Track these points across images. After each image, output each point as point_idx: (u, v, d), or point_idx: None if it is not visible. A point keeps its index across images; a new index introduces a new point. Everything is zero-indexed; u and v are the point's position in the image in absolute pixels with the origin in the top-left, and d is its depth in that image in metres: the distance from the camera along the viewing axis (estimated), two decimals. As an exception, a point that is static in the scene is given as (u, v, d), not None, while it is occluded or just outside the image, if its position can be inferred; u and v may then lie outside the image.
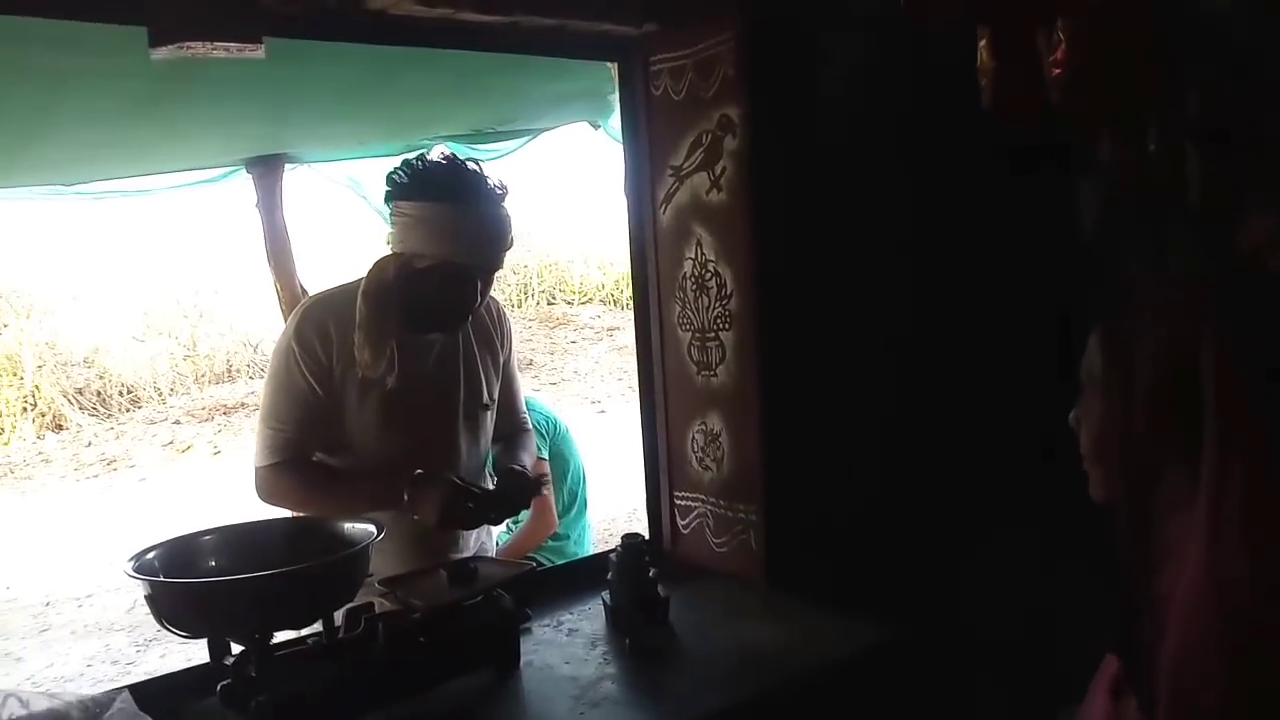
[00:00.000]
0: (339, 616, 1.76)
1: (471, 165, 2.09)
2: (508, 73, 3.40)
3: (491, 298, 2.31)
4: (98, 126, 3.36)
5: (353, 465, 2.12)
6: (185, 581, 1.50)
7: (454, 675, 1.80)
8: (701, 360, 2.35)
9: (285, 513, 2.17)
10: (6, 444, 10.47)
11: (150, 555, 1.57)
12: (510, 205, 2.10)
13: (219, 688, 1.59)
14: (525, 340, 12.45)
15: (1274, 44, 1.83)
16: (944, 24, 1.70)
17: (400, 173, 2.05)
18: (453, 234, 2.00)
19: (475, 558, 2.01)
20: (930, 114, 2.24)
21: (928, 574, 2.27)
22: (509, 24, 2.16)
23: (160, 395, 11.85)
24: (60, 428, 10.97)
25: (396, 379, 2.06)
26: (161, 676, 1.82)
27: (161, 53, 1.07)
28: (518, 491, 2.14)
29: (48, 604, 5.81)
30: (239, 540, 1.69)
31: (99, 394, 11.68)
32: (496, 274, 2.14)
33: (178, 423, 10.72)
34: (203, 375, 12.42)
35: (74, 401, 11.36)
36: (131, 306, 13.04)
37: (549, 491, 3.74)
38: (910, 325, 2.37)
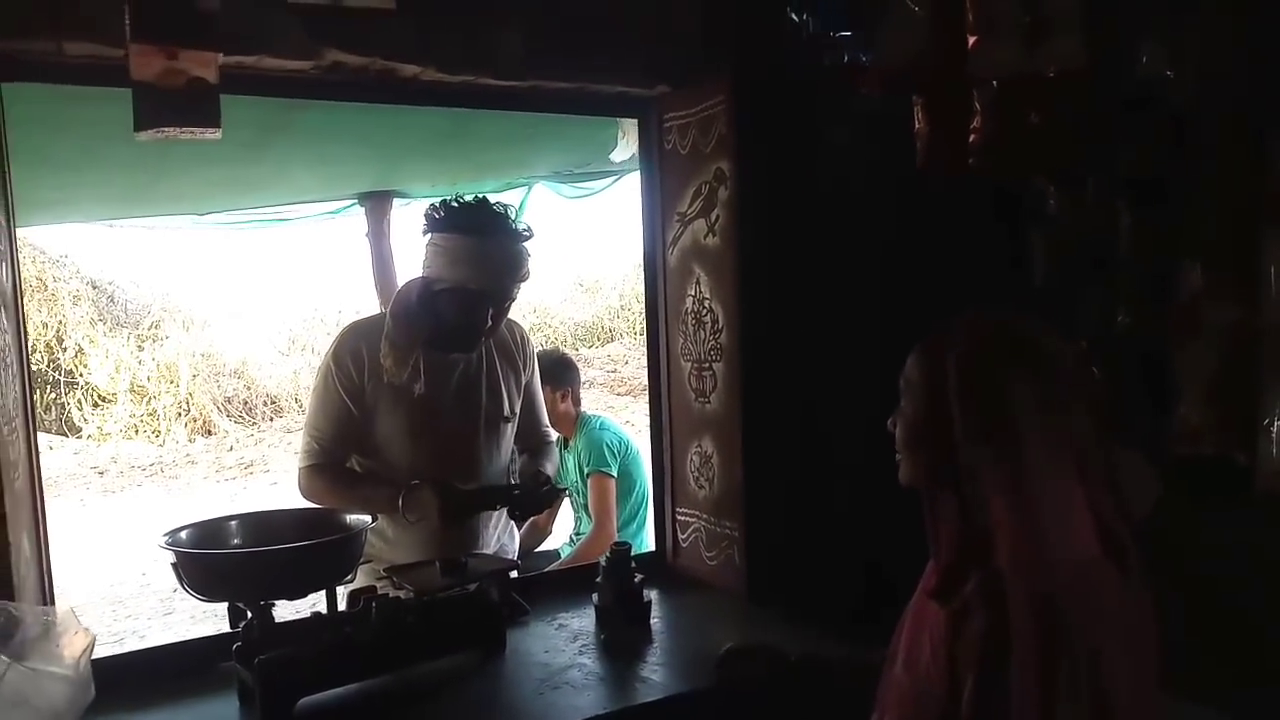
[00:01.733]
0: (342, 596, 2.07)
1: (498, 207, 2.40)
2: (574, 120, 3.70)
3: (515, 322, 2.63)
4: (215, 165, 3.84)
5: (384, 470, 2.44)
6: (195, 552, 1.83)
7: (438, 655, 2.07)
8: (698, 388, 2.57)
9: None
10: (161, 445, 11.43)
11: (182, 533, 1.91)
12: (531, 245, 2.41)
13: (233, 648, 1.91)
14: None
15: (1206, 106, 1.98)
16: (875, 93, 1.91)
17: (434, 209, 2.39)
18: (468, 262, 2.31)
19: (468, 554, 2.28)
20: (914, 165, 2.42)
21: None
22: (530, 88, 2.44)
23: (299, 406, 12.70)
24: (209, 433, 11.90)
25: (423, 388, 2.38)
26: (196, 639, 2.17)
27: (144, 135, 1.40)
28: (536, 491, 2.41)
29: (174, 591, 6.40)
30: (257, 524, 2.02)
31: (245, 403, 12.62)
32: (510, 302, 2.44)
33: (312, 432, 11.45)
34: (341, 389, 13.19)
35: (223, 409, 12.31)
36: (279, 323, 14.03)
37: (612, 504, 4.01)
38: (883, 358, 2.53)
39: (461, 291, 2.33)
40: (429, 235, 2.38)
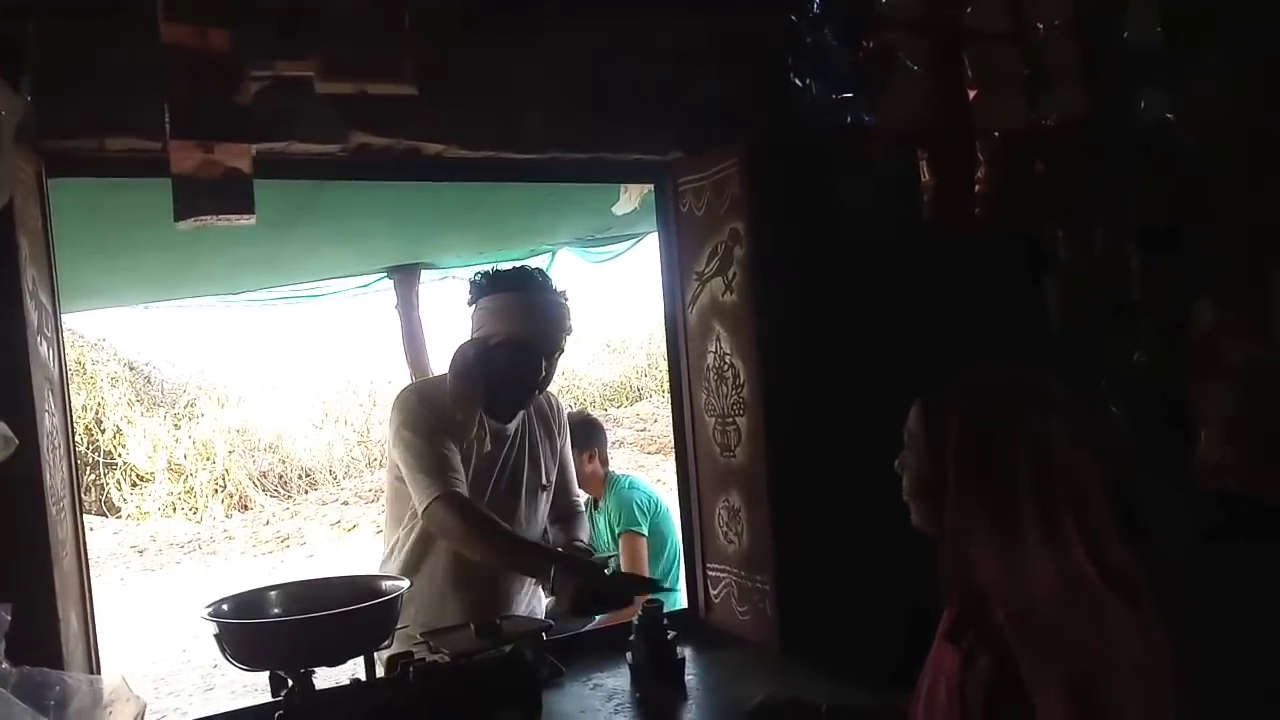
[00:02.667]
0: (380, 661, 2.11)
1: (535, 269, 2.57)
2: (594, 187, 3.80)
3: (549, 390, 2.69)
4: (246, 246, 3.96)
5: (422, 532, 2.49)
6: (238, 622, 1.88)
7: (476, 718, 2.10)
8: (723, 442, 2.61)
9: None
10: (199, 522, 11.54)
11: (224, 604, 1.96)
12: (569, 303, 2.55)
13: (275, 716, 1.95)
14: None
15: (1211, 151, 2.02)
16: (882, 152, 1.98)
17: (478, 276, 2.54)
18: (518, 315, 2.44)
19: (503, 615, 2.31)
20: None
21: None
22: (549, 159, 2.53)
23: (334, 478, 12.80)
24: (246, 508, 12.01)
25: (489, 444, 2.48)
26: (240, 709, 2.21)
27: (183, 225, 1.49)
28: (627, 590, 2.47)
29: (215, 666, 6.45)
30: (295, 593, 2.06)
31: (280, 477, 12.74)
32: (559, 354, 2.54)
33: (346, 503, 11.55)
34: (374, 459, 13.29)
35: (258, 484, 12.42)
36: (311, 396, 14.20)
37: (644, 563, 4.03)
38: (905, 406, 2.56)
39: (515, 342, 2.44)
40: (477, 301, 2.50)
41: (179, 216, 1.49)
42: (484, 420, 2.49)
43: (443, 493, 2.35)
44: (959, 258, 2.43)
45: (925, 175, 2.03)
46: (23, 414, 1.69)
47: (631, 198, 3.62)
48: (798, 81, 1.93)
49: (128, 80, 1.90)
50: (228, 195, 1.47)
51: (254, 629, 1.89)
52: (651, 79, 2.54)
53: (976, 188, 1.90)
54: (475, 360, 2.48)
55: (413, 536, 2.54)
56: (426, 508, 2.37)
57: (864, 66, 1.90)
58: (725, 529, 2.65)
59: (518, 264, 2.57)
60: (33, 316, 1.79)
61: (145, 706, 1.40)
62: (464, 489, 2.40)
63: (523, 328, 2.44)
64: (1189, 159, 2.03)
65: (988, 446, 1.29)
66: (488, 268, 2.56)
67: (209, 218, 1.49)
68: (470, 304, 2.53)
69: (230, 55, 1.49)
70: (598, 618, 2.59)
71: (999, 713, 1.19)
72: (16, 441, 1.16)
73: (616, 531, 4.05)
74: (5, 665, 1.21)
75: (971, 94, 1.93)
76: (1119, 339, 2.19)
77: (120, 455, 12.03)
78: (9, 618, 1.20)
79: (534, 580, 2.62)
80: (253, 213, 1.51)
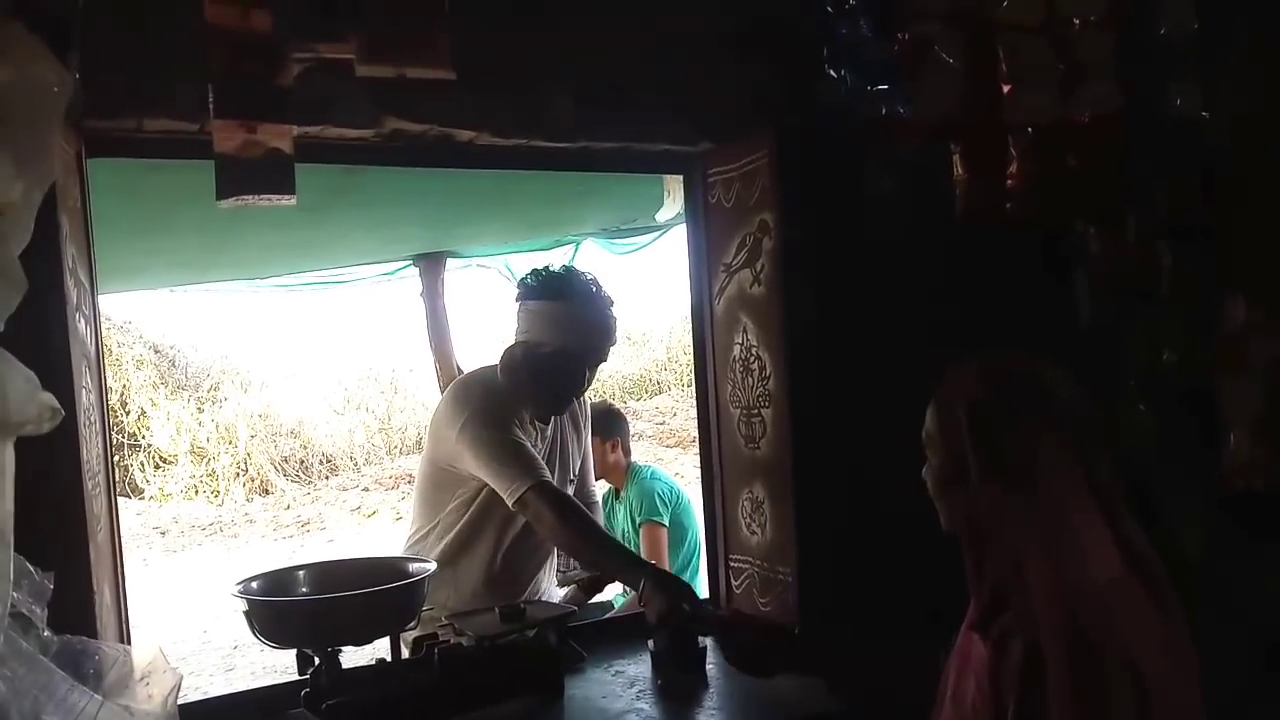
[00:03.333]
0: (406, 642, 2.14)
1: (586, 275, 2.57)
2: (621, 178, 3.81)
3: None
4: (276, 229, 3.99)
5: (456, 525, 2.53)
6: (268, 600, 1.91)
7: (499, 700, 2.12)
8: (748, 434, 2.62)
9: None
10: (220, 505, 11.65)
11: (253, 582, 1.98)
12: (616, 311, 2.58)
13: (301, 694, 1.98)
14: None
15: (1244, 146, 2.02)
16: (914, 145, 1.98)
17: (530, 277, 2.56)
18: (570, 327, 2.47)
19: (527, 601, 2.34)
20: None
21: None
22: (579, 148, 2.54)
23: (355, 465, 12.89)
24: (266, 492, 12.12)
25: (537, 445, 2.51)
26: (267, 686, 2.23)
27: (225, 204, 1.51)
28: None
29: (235, 647, 6.53)
30: (323, 573, 2.09)
31: (302, 462, 12.84)
32: (602, 364, 2.59)
33: (366, 490, 11.63)
34: (395, 446, 13.40)
35: (279, 469, 12.53)
36: (334, 383, 14.30)
37: (664, 553, 4.06)
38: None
39: (564, 354, 2.46)
40: (527, 302, 2.51)
41: (221, 196, 1.51)
42: (529, 421, 2.53)
43: (536, 482, 2.37)
44: (987, 252, 2.42)
45: (957, 169, 2.03)
46: (61, 390, 1.70)
47: (675, 201, 3.61)
48: (832, 73, 1.93)
49: (167, 61, 1.94)
50: (269, 176, 1.49)
51: (284, 607, 1.92)
52: (682, 69, 2.54)
53: (1008, 182, 1.90)
54: (523, 363, 2.51)
55: (457, 527, 2.58)
56: (520, 497, 2.36)
57: (899, 59, 1.90)
58: (748, 520, 2.65)
59: (567, 268, 2.59)
60: (72, 294, 1.82)
61: (181, 679, 1.42)
62: (551, 479, 2.44)
63: (574, 341, 2.47)
64: (1221, 154, 2.02)
65: (1001, 435, 1.30)
66: (542, 268, 2.58)
67: (250, 198, 1.51)
68: (520, 301, 2.54)
69: (272, 36, 1.51)
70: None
71: (1034, 699, 1.19)
72: (63, 412, 1.18)
73: (637, 521, 4.07)
74: (47, 633, 1.24)
75: (1005, 88, 1.93)
76: (1147, 336, 2.18)
77: (144, 437, 12.16)
78: (51, 586, 1.22)
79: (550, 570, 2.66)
80: (294, 194, 1.53)
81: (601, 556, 2.47)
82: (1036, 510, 1.26)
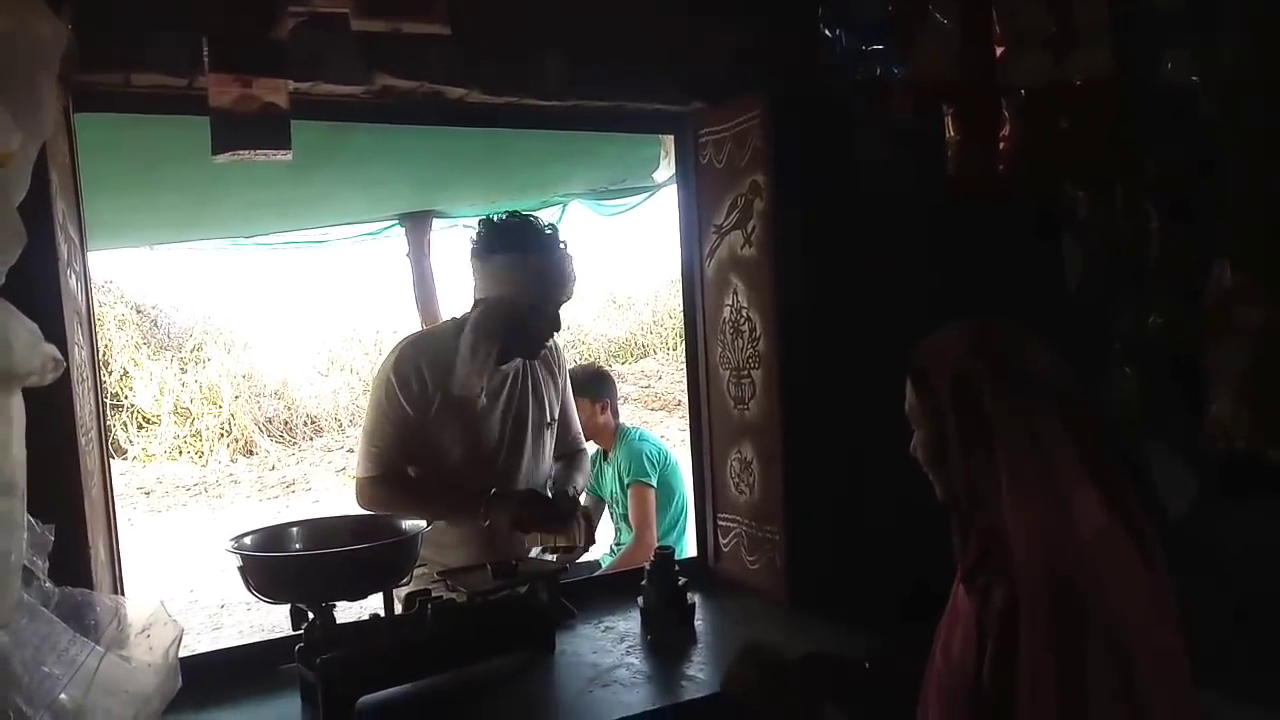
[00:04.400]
0: (399, 598, 2.16)
1: (543, 224, 2.50)
2: (610, 139, 3.79)
3: None
4: (260, 188, 3.96)
5: (440, 476, 2.52)
6: (263, 554, 1.92)
7: (491, 655, 2.15)
8: (737, 395, 2.64)
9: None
10: (205, 465, 11.63)
11: (246, 538, 1.99)
12: (572, 255, 2.50)
13: (296, 649, 2.00)
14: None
15: (1233, 113, 2.02)
16: (908, 106, 1.98)
17: (485, 229, 2.47)
18: (534, 279, 2.41)
19: (519, 558, 2.36)
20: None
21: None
22: (570, 107, 2.53)
23: (339, 425, 12.87)
24: (251, 453, 12.09)
25: (485, 398, 2.49)
26: (260, 641, 2.26)
27: (221, 158, 1.50)
28: (566, 511, 2.49)
29: (222, 606, 6.56)
30: (316, 530, 2.11)
31: (286, 423, 12.80)
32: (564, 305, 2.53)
33: (350, 451, 11.60)
34: (379, 407, 13.32)
35: (264, 429, 12.50)
36: (318, 344, 14.23)
37: (652, 513, 4.08)
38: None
39: (530, 305, 2.43)
40: (487, 257, 2.44)
41: (216, 150, 1.50)
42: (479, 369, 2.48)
43: (378, 474, 2.48)
44: (976, 216, 2.42)
45: (950, 131, 2.04)
46: (55, 345, 1.71)
47: (671, 161, 3.58)
48: (827, 32, 1.93)
49: (154, 15, 1.91)
50: (265, 131, 1.48)
51: (280, 561, 1.93)
52: (674, 28, 2.53)
53: (1000, 145, 1.91)
54: (504, 321, 2.46)
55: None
56: (359, 481, 2.52)
57: (894, 19, 1.90)
58: (736, 480, 2.68)
59: (523, 217, 2.50)
60: (63, 250, 1.81)
61: (183, 631, 1.43)
62: (393, 468, 2.50)
63: (537, 291, 2.42)
64: (1211, 121, 2.03)
65: (985, 402, 1.31)
66: (493, 219, 2.49)
67: (246, 153, 1.51)
68: (477, 257, 2.46)
69: (268, -10, 1.49)
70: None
71: (1013, 641, 1.22)
72: (65, 364, 1.18)
73: (626, 482, 4.09)
74: (48, 584, 1.25)
75: (999, 50, 1.93)
76: (1135, 301, 2.20)
77: (127, 397, 12.09)
78: (52, 538, 1.23)
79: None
80: (289, 149, 1.52)
81: (437, 509, 2.46)
82: (1023, 468, 1.28)
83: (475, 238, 2.48)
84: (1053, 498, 1.26)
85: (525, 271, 2.40)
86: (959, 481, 1.36)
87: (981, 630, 1.28)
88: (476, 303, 2.49)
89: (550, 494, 2.58)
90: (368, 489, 2.50)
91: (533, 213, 2.57)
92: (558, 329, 2.52)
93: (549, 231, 2.48)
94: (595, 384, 4.14)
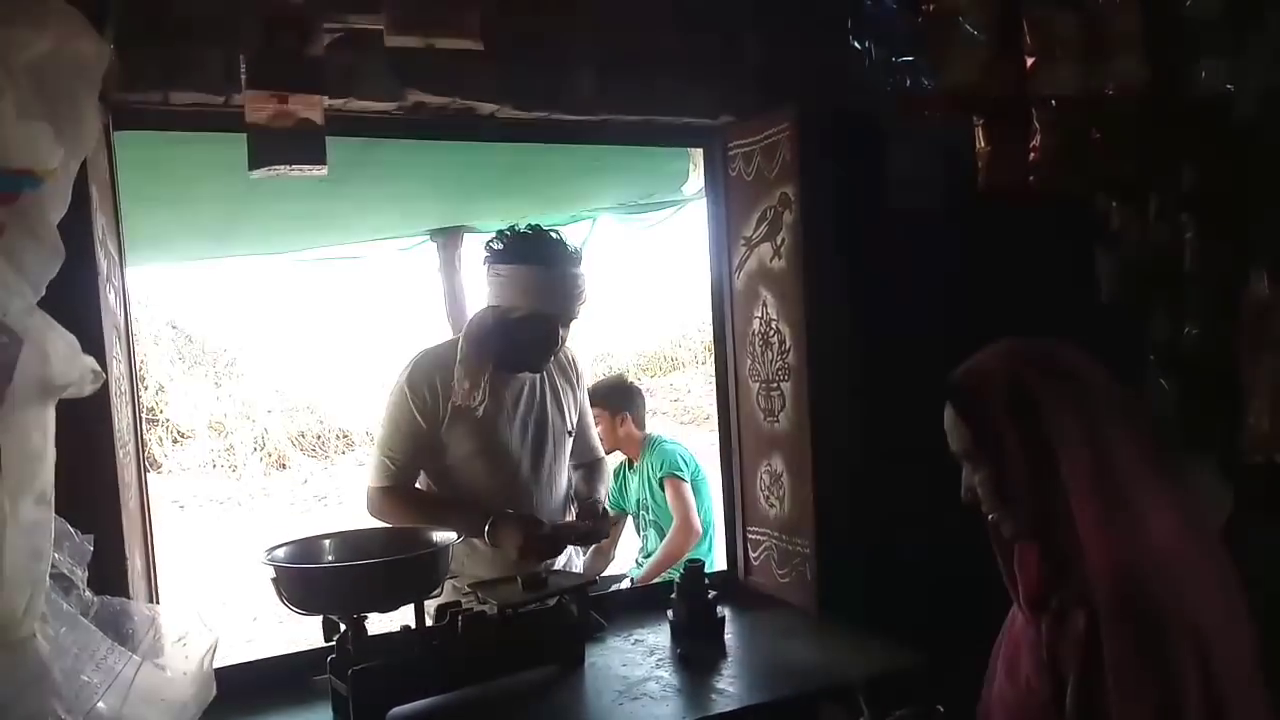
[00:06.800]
0: (430, 610, 2.17)
1: (554, 234, 2.53)
2: (640, 153, 3.80)
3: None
4: (293, 201, 4.00)
5: (455, 490, 2.55)
6: (297, 566, 1.93)
7: (521, 667, 2.15)
8: (767, 408, 2.63)
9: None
10: (238, 479, 11.75)
11: (280, 550, 2.01)
12: (584, 267, 2.54)
13: (328, 660, 2.01)
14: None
15: (1271, 120, 2.00)
16: (939, 117, 1.97)
17: (497, 240, 2.51)
18: (543, 291, 2.44)
19: (549, 569, 2.36)
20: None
21: (971, 611, 2.43)
22: (601, 121, 2.54)
23: (370, 439, 12.93)
24: (284, 467, 12.20)
25: (488, 409, 2.50)
26: (292, 653, 2.27)
27: (257, 174, 1.52)
28: (596, 525, 2.51)
29: (254, 619, 6.60)
30: (348, 542, 2.12)
31: (318, 437, 12.91)
32: (574, 321, 2.56)
33: (381, 465, 11.67)
34: (410, 422, 13.38)
35: (296, 444, 12.60)
36: (350, 358, 14.33)
37: (691, 501, 4.07)
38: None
39: (538, 317, 2.44)
40: (495, 266, 2.48)
41: (253, 166, 1.53)
42: (487, 385, 2.49)
43: (387, 485, 2.53)
44: (1007, 228, 2.41)
45: (980, 142, 2.03)
46: (93, 358, 1.74)
47: (700, 174, 3.59)
48: (857, 44, 1.93)
49: (194, 35, 1.95)
50: (300, 146, 1.51)
51: (313, 573, 1.95)
52: (703, 42, 2.54)
53: (1031, 156, 1.90)
54: (494, 330, 2.49)
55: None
56: (370, 490, 2.58)
57: (924, 31, 1.89)
58: (766, 493, 2.67)
59: (535, 229, 2.52)
60: (102, 265, 1.84)
61: (218, 641, 1.45)
62: (403, 479, 2.54)
63: (546, 303, 2.44)
64: (1246, 130, 2.00)
65: (1040, 414, 1.27)
66: (508, 230, 2.53)
67: (282, 168, 1.53)
68: (488, 265, 2.50)
69: (304, 7, 1.52)
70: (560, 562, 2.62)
71: (1096, 674, 1.19)
72: (104, 375, 1.20)
73: (660, 476, 4.09)
74: (87, 594, 1.26)
75: (1029, 60, 1.92)
76: (1170, 311, 2.18)
77: (162, 412, 12.23)
78: (91, 548, 1.25)
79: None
80: (325, 164, 1.54)
81: (436, 515, 2.45)
82: (1092, 483, 1.23)
83: (490, 246, 2.52)
84: (1126, 511, 1.22)
85: (521, 282, 2.43)
86: (1030, 514, 1.31)
87: (1055, 660, 1.25)
88: (478, 312, 2.54)
89: (574, 504, 2.59)
90: (376, 498, 2.55)
91: (555, 228, 2.58)
92: (556, 342, 2.52)
93: (558, 245, 2.49)
94: (615, 396, 4.16)
